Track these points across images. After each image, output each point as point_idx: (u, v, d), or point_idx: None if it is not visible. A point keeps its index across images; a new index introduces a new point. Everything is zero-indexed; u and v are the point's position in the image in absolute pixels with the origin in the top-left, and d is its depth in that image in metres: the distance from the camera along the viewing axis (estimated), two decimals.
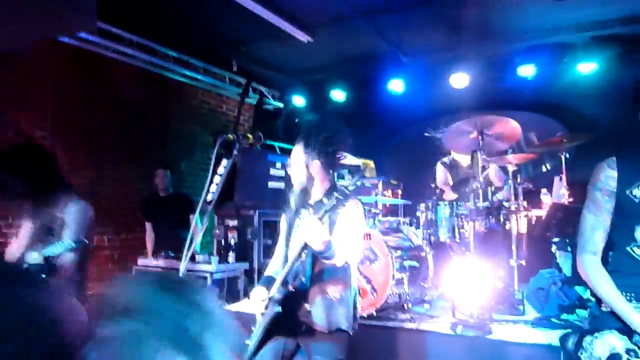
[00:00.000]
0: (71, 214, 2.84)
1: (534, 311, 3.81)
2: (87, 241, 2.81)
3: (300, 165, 2.41)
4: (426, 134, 4.78)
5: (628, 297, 1.81)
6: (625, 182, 1.84)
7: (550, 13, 4.85)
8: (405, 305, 3.84)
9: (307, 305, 2.24)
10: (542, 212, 4.41)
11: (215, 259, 4.41)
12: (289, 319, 2.21)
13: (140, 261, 4.84)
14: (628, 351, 1.65)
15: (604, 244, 1.89)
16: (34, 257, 2.69)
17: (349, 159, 4.86)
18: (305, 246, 2.11)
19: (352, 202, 2.25)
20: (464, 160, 4.71)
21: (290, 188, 2.52)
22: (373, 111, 6.56)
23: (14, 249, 2.95)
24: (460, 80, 5.85)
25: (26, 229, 2.98)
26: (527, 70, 5.62)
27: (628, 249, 1.84)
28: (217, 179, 2.32)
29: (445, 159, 4.89)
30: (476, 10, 4.74)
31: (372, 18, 4.96)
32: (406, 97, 6.27)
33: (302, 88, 6.94)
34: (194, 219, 5.01)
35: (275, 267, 2.47)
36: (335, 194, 2.03)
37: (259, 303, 2.28)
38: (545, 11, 4.78)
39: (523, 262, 4.11)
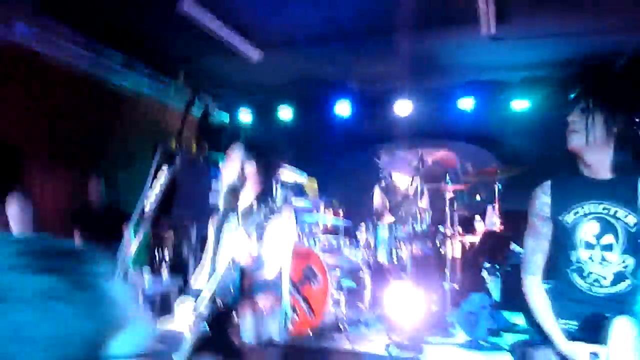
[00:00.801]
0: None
1: (464, 334, 3.93)
2: None
3: (234, 163, 2.36)
4: (375, 159, 4.88)
5: (564, 324, 1.87)
6: (558, 208, 1.92)
7: (488, 52, 5.15)
8: (341, 326, 3.84)
9: (236, 320, 2.16)
10: (476, 239, 4.60)
11: (147, 269, 4.23)
12: (218, 337, 2.12)
13: None
14: (595, 355, 1.72)
15: (543, 265, 1.96)
16: None
17: (293, 176, 4.87)
18: (233, 260, 2.06)
19: (284, 213, 2.22)
20: (402, 184, 4.85)
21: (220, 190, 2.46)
22: (319, 132, 6.64)
23: None
24: (403, 108, 6.06)
25: None
26: (466, 104, 5.92)
27: (567, 271, 1.90)
28: (156, 190, 2.24)
29: (382, 183, 5.01)
30: (421, 45, 4.96)
31: (322, 42, 5.05)
32: (352, 120, 6.41)
33: (250, 104, 6.91)
34: (128, 231, 4.81)
35: (203, 278, 2.37)
36: (265, 205, 1.99)
37: (184, 317, 2.17)
38: (484, 50, 5.07)
39: (456, 286, 4.25)
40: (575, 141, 1.85)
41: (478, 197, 5.68)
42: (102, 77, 5.45)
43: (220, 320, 2.13)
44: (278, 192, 2.01)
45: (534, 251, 1.97)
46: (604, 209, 1.83)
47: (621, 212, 1.79)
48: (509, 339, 3.78)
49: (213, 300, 2.12)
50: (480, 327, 3.87)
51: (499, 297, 4.13)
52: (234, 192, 2.32)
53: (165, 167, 2.18)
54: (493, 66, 5.56)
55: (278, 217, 2.11)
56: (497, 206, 4.69)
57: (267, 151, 2.41)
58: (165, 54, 5.58)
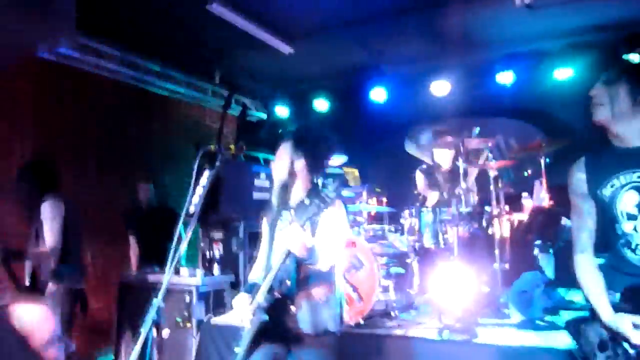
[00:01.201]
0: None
1: (519, 314, 3.85)
2: None
3: (284, 160, 2.41)
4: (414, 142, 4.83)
5: (612, 296, 1.85)
6: (594, 183, 1.90)
7: (525, 22, 4.96)
8: (392, 312, 3.85)
9: (293, 310, 2.25)
10: (524, 216, 4.48)
11: (200, 271, 4.37)
12: (276, 326, 2.21)
13: (125, 276, 4.78)
14: (612, 338, 1.74)
15: (591, 241, 1.95)
16: None
17: (336, 160, 4.91)
18: (289, 253, 2.12)
19: (335, 205, 2.26)
20: (444, 165, 4.77)
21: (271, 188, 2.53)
22: (356, 120, 6.61)
23: None
24: (440, 88, 5.93)
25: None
26: (505, 77, 5.72)
27: (616, 246, 1.88)
28: (199, 190, 2.33)
29: (424, 165, 4.94)
30: (455, 19, 4.83)
31: (353, 28, 5.02)
32: (388, 106, 6.33)
33: (285, 99, 6.96)
34: (177, 231, 4.99)
35: (259, 273, 2.46)
36: (317, 198, 2.04)
37: (242, 310, 2.27)
38: (521, 20, 4.89)
39: (506, 266, 4.16)
40: (600, 114, 1.86)
41: (525, 174, 5.51)
42: (142, 85, 5.66)
43: (277, 311, 2.21)
44: (329, 185, 2.04)
45: (580, 229, 1.97)
46: (638, 177, 1.79)
47: None
48: (566, 316, 3.68)
49: (270, 291, 2.20)
50: (535, 306, 3.77)
51: (552, 275, 4.01)
52: (286, 188, 2.42)
53: (207, 168, 2.27)
54: (531, 36, 5.34)
55: (330, 209, 2.15)
56: (544, 181, 4.53)
57: (315, 146, 2.43)
58: (199, 56, 5.71)
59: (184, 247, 2.13)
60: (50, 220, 3.43)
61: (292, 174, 2.40)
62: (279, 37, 5.09)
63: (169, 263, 2.00)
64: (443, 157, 4.65)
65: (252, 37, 4.93)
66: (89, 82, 5.16)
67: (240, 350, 2.21)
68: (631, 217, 1.81)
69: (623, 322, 1.72)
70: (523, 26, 5.10)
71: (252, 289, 2.31)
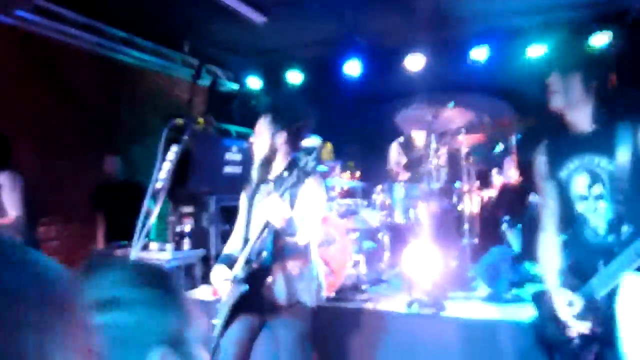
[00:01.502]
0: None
1: (486, 287, 3.94)
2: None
3: (265, 136, 2.40)
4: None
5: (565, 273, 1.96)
6: (554, 165, 2.01)
7: None
8: (362, 286, 3.89)
9: (269, 281, 2.27)
10: (493, 193, 4.55)
11: (170, 246, 4.31)
12: (253, 297, 2.22)
13: (93, 252, 4.67)
14: (570, 303, 1.85)
15: (552, 221, 2.06)
16: None
17: (309, 140, 4.83)
18: (267, 224, 2.11)
19: (314, 178, 2.26)
20: (419, 139, 4.78)
21: (250, 164, 2.51)
22: (330, 93, 6.52)
23: None
24: (415, 62, 5.90)
25: None
26: (479, 54, 5.72)
27: (573, 225, 1.99)
28: (166, 165, 2.25)
29: (401, 139, 4.93)
30: None
31: (327, 1, 4.90)
32: (363, 79, 6.27)
33: (258, 70, 6.81)
34: (145, 205, 4.88)
35: (236, 245, 2.46)
36: (296, 170, 2.02)
37: (221, 281, 2.27)
38: None
39: (476, 241, 4.24)
40: (555, 102, 1.95)
41: (496, 150, 5.58)
42: (107, 55, 5.42)
43: (254, 282, 2.21)
44: (307, 158, 2.02)
45: (543, 209, 2.10)
46: (588, 160, 1.89)
47: (604, 162, 1.84)
48: (531, 290, 3.78)
49: (248, 263, 2.20)
50: (501, 279, 3.86)
51: (519, 249, 4.11)
52: (266, 164, 2.41)
53: (175, 142, 2.20)
54: (505, 12, 5.31)
55: (309, 182, 2.16)
56: (514, 158, 4.60)
57: (294, 120, 2.43)
58: (167, 25, 5.49)
59: (152, 221, 2.08)
60: (10, 191, 3.37)
61: (273, 148, 2.39)
62: (252, 6, 4.92)
63: (136, 237, 1.95)
64: (415, 134, 4.66)
65: (224, 5, 4.76)
66: (50, 49, 4.90)
67: (218, 322, 2.22)
68: (583, 198, 1.92)
69: (558, 297, 1.87)
70: (498, 2, 5.07)
71: (228, 261, 2.33)
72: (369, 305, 3.63)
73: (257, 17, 5.12)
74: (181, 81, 6.56)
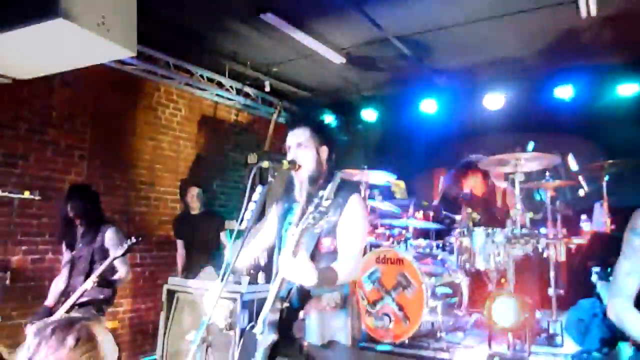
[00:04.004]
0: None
1: (574, 344, 3.66)
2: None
3: (311, 148, 2.17)
4: (468, 159, 4.67)
5: None
6: None
7: (587, 33, 4.72)
8: (438, 334, 3.74)
9: (301, 316, 2.05)
10: (582, 240, 4.26)
11: (245, 279, 4.39)
12: (283, 337, 1.97)
13: (171, 280, 4.87)
14: None
15: (637, 289, 1.81)
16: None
17: (382, 177, 4.80)
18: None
19: (353, 201, 2.05)
20: (497, 183, 4.61)
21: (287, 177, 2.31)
22: (405, 132, 6.51)
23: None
24: (494, 101, 5.76)
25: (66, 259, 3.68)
26: (564, 92, 5.48)
27: None
28: (252, 205, 2.31)
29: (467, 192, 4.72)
30: (511, 30, 4.66)
31: (405, 39, 4.95)
32: (439, 118, 6.20)
33: (333, 108, 6.95)
34: (224, 237, 5.07)
35: (250, 256, 2.50)
36: (313, 209, 1.73)
37: (210, 305, 2.06)
38: (582, 30, 4.66)
39: (562, 292, 3.96)
40: None
41: (581, 193, 5.24)
42: (193, 92, 5.79)
43: (285, 321, 1.99)
44: (322, 195, 1.73)
45: (628, 274, 1.82)
46: None
47: None
48: (626, 349, 3.46)
49: (278, 299, 1.97)
50: (591, 336, 3.58)
51: None
52: (314, 181, 2.16)
53: (260, 183, 2.25)
54: (593, 48, 5.08)
55: (349, 207, 2.01)
56: (605, 203, 4.29)
57: (334, 136, 2.25)
58: (250, 65, 5.77)
59: (234, 256, 2.10)
60: (115, 248, 3.58)
61: (319, 163, 2.17)
62: (331, 47, 5.08)
63: (222, 271, 2.01)
64: (495, 176, 4.50)
65: (304, 47, 4.95)
66: (143, 89, 5.34)
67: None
68: None
69: None
70: (585, 37, 4.86)
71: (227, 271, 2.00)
72: (444, 355, 3.48)
73: (336, 58, 5.27)
74: (260, 118, 6.83)
